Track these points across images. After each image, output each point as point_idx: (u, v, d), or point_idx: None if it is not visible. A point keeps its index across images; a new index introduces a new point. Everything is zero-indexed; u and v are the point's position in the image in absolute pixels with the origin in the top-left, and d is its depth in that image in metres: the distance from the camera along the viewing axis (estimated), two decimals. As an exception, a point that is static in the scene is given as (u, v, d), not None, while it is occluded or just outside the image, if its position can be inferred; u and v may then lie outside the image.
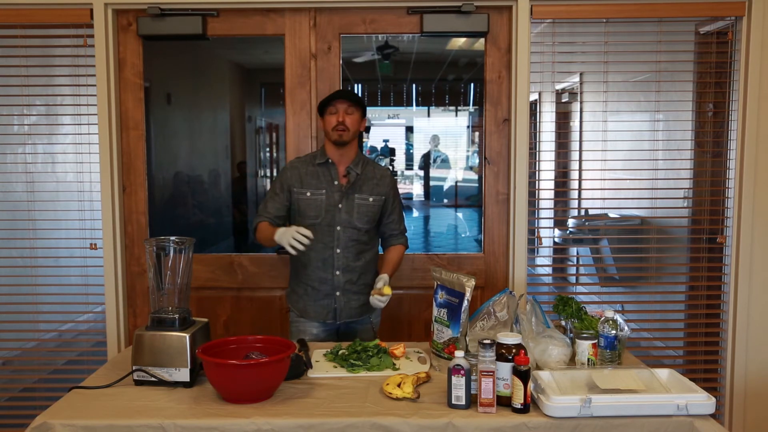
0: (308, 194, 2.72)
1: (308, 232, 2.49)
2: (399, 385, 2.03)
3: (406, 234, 2.92)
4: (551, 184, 3.94)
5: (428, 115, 7.36)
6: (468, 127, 7.24)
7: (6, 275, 3.36)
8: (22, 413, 3.26)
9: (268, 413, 1.91)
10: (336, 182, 2.73)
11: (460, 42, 4.77)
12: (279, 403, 1.99)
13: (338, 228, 2.71)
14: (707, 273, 3.40)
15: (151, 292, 2.24)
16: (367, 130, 2.90)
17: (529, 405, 1.91)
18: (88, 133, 3.24)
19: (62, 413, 1.92)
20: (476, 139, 7.01)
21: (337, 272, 2.73)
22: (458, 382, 1.92)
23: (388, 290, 2.61)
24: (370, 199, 2.75)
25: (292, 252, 2.50)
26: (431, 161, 7.32)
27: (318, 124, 3.28)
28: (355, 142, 2.77)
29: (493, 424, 1.86)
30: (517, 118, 3.19)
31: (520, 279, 3.25)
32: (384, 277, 2.68)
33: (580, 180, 4.72)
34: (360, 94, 5.36)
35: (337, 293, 2.74)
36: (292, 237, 2.48)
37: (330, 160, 2.74)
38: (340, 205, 2.71)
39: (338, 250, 2.72)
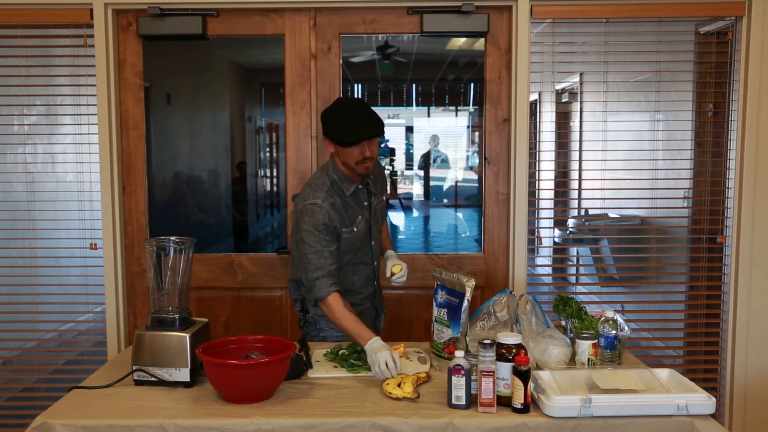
0: (355, 230, 2.51)
1: (399, 364, 2.14)
2: (399, 385, 2.03)
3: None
4: (551, 184, 3.95)
5: (428, 115, 7.35)
6: (468, 127, 7.24)
7: (6, 275, 3.36)
8: (22, 413, 3.26)
9: (268, 413, 1.91)
10: (365, 203, 2.57)
11: (460, 42, 4.76)
12: (279, 403, 1.99)
13: (373, 243, 2.65)
14: (707, 273, 3.40)
15: (151, 292, 2.24)
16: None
17: (529, 405, 1.91)
18: (88, 133, 3.24)
19: (62, 413, 1.92)
20: (476, 139, 7.01)
21: (376, 282, 2.73)
22: (458, 382, 1.92)
23: (397, 269, 2.62)
24: (384, 198, 2.75)
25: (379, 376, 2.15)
26: (431, 161, 7.31)
27: (318, 126, 3.28)
28: None
29: (493, 424, 1.86)
30: (517, 118, 3.19)
31: (520, 279, 3.25)
32: (391, 254, 2.71)
33: (580, 180, 4.72)
34: (360, 95, 5.36)
35: (375, 301, 2.75)
36: (385, 364, 2.10)
37: (359, 186, 2.53)
38: (371, 221, 2.62)
39: (375, 263, 2.69)
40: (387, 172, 2.86)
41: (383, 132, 2.41)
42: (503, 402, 1.92)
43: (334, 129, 2.41)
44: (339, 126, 2.40)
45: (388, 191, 2.87)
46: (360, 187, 2.53)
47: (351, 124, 2.38)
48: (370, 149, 2.39)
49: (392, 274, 2.61)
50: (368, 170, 2.44)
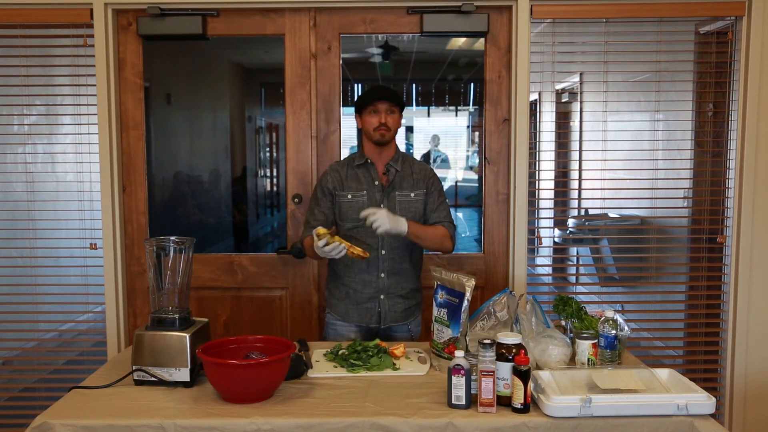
0: (349, 196, 2.66)
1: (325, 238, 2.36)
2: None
3: (455, 229, 2.76)
4: (551, 184, 3.94)
5: (428, 115, 7.35)
6: (468, 127, 7.24)
7: (6, 275, 3.36)
8: (22, 413, 3.26)
9: (268, 413, 1.91)
10: (377, 182, 2.67)
11: (460, 42, 4.76)
12: (279, 403, 1.99)
13: None
14: (707, 273, 3.40)
15: (151, 292, 2.24)
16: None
17: (529, 405, 1.91)
18: (88, 133, 3.24)
19: (62, 413, 1.92)
20: (476, 139, 7.01)
21: (382, 275, 2.66)
22: (458, 382, 1.92)
23: (371, 210, 2.47)
24: (412, 195, 2.70)
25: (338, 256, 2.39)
26: (431, 161, 7.32)
27: (318, 126, 3.28)
28: (394, 139, 2.72)
29: (493, 424, 1.86)
30: (517, 118, 3.19)
31: (520, 279, 3.25)
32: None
33: (580, 180, 4.72)
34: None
35: (382, 296, 2.67)
36: (320, 244, 2.37)
37: (369, 161, 2.69)
38: (381, 205, 2.64)
39: (383, 252, 2.65)
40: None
41: (394, 100, 2.65)
42: (503, 402, 1.92)
43: (357, 100, 2.71)
44: (359, 96, 2.71)
45: (430, 192, 2.76)
46: (369, 162, 2.69)
47: (367, 92, 2.69)
48: (386, 118, 2.64)
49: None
50: (383, 138, 2.64)
